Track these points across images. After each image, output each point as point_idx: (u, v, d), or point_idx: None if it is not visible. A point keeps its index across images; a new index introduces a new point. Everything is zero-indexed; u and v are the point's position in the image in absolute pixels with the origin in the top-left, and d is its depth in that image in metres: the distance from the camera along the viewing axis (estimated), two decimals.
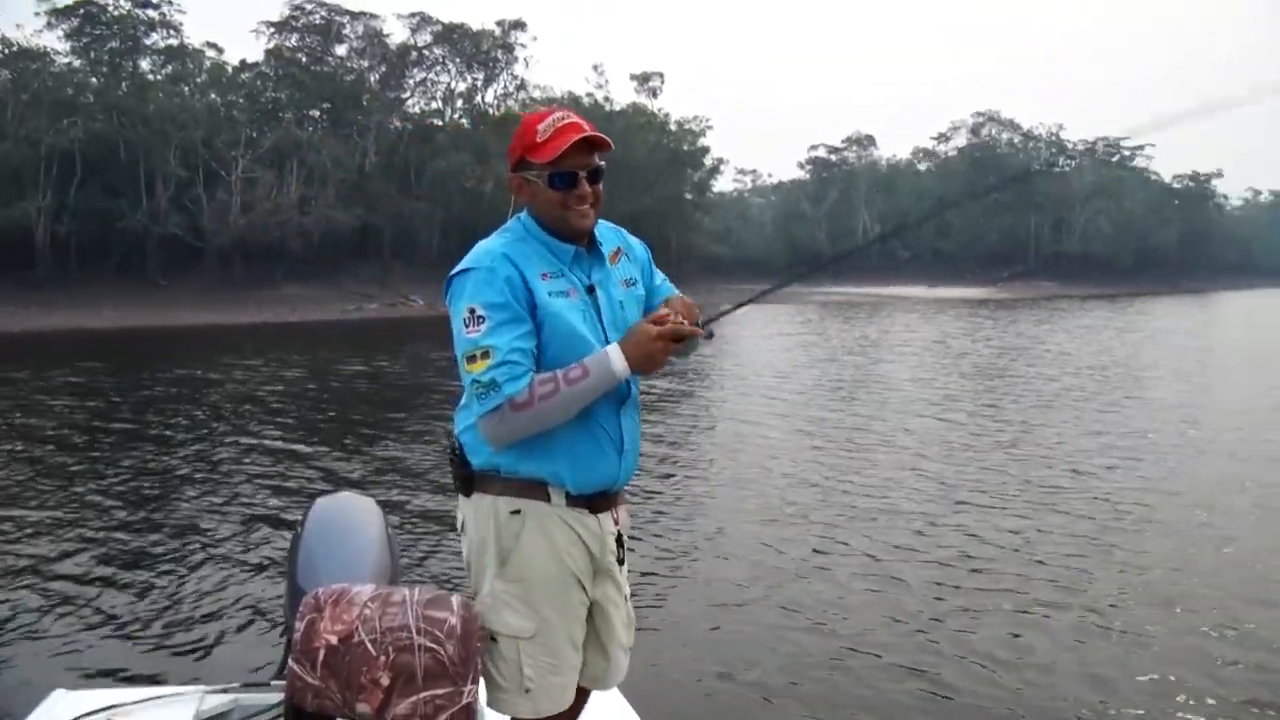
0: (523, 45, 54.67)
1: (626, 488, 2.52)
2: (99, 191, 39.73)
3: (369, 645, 2.26)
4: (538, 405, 2.22)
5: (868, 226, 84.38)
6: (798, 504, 9.79)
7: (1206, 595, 7.03)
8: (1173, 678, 5.64)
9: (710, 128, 67.42)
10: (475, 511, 2.40)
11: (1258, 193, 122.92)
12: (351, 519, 2.95)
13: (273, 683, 2.71)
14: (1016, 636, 6.30)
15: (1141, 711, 5.27)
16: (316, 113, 49.62)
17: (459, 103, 55.12)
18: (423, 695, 2.27)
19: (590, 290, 2.39)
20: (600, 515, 2.42)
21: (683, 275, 19.88)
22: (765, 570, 7.65)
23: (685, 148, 63.75)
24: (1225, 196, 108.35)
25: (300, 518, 2.98)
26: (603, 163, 2.37)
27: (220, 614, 6.56)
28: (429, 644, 2.27)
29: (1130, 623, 6.50)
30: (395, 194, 48.07)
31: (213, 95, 46.89)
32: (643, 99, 62.34)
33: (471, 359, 2.25)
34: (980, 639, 6.23)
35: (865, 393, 18.35)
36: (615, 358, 2.25)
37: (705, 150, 67.16)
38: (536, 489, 2.34)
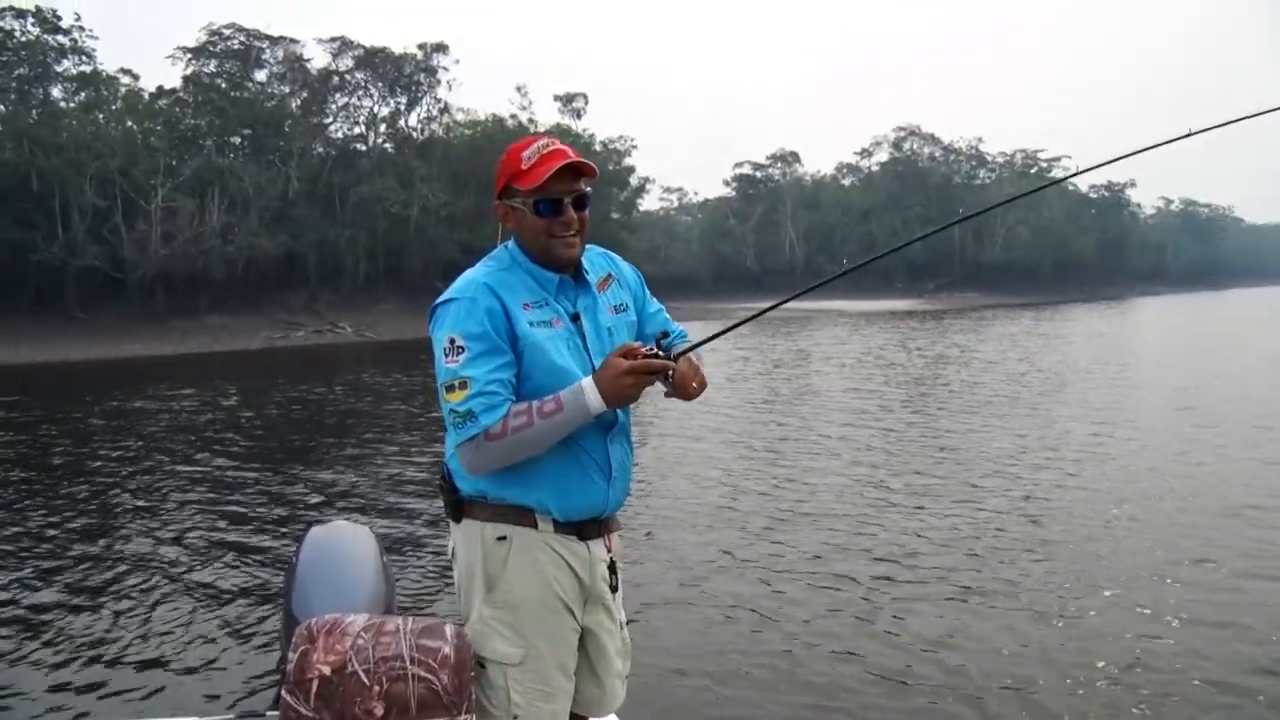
0: (445, 68, 54.35)
1: (619, 515, 2.52)
2: (10, 223, 38.49)
3: (362, 675, 2.26)
4: (511, 437, 2.23)
5: (794, 242, 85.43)
6: (744, 512, 10.01)
7: (1125, 579, 7.54)
8: (1095, 654, 6.09)
9: (635, 147, 67.79)
10: (464, 537, 2.40)
11: (1169, 201, 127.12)
12: (346, 548, 2.94)
13: (267, 714, 2.69)
14: (951, 622, 6.72)
15: (1065, 687, 5.64)
16: (238, 139, 48.69)
17: (382, 127, 54.58)
18: None
19: (575, 319, 2.40)
20: (590, 542, 2.42)
21: None
22: (738, 580, 7.82)
23: (611, 167, 63.80)
24: (1139, 205, 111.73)
25: (295, 547, 2.96)
26: (588, 189, 2.39)
27: (217, 645, 6.54)
28: (423, 674, 2.28)
29: (1055, 606, 6.97)
30: (320, 220, 47.40)
31: (129, 123, 45.71)
32: (567, 120, 62.32)
33: (450, 388, 2.26)
34: (918, 625, 6.66)
35: (801, 404, 18.58)
36: (589, 391, 2.24)
37: (631, 170, 67.42)
38: (523, 515, 2.35)
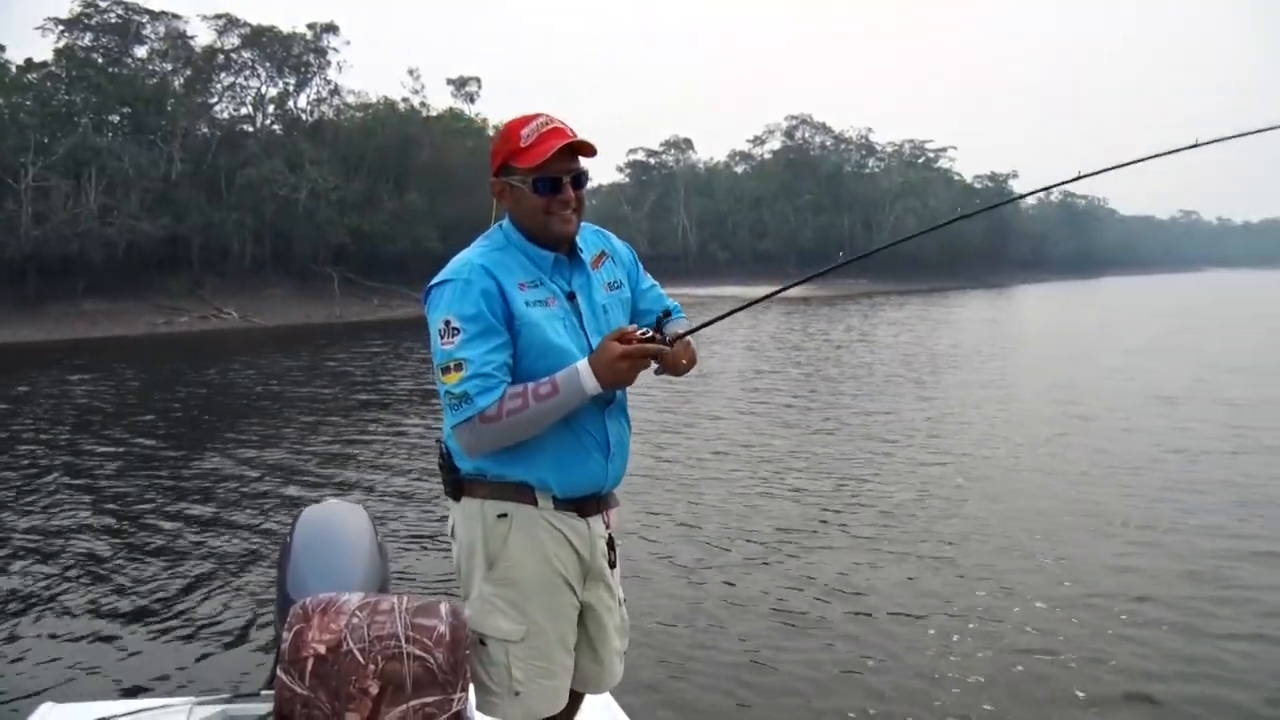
0: (335, 49, 52.94)
1: (618, 490, 2.53)
2: None
3: (357, 654, 2.26)
4: (506, 419, 2.23)
5: (687, 229, 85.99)
6: (655, 480, 10.52)
7: (1003, 531, 8.66)
8: (974, 592, 7.09)
9: None
10: (464, 516, 2.39)
11: (1049, 192, 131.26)
12: (340, 527, 2.92)
13: (262, 693, 2.68)
14: (853, 571, 7.61)
15: (947, 620, 6.58)
16: (116, 118, 46.68)
17: (270, 108, 53.03)
18: (412, 704, 2.27)
19: (571, 297, 2.40)
20: (590, 518, 2.42)
21: None
22: (649, 544, 8.25)
23: None
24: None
25: (289, 526, 2.94)
26: (586, 167, 2.39)
27: (211, 624, 6.53)
28: (418, 652, 2.28)
29: (940, 552, 8.01)
30: (205, 203, 45.84)
31: None
32: (460, 104, 61.46)
33: (446, 370, 2.25)
34: (821, 575, 7.50)
35: (702, 383, 18.79)
36: (585, 374, 2.24)
37: None
38: (523, 492, 2.34)
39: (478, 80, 61.82)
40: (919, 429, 13.80)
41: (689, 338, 2.44)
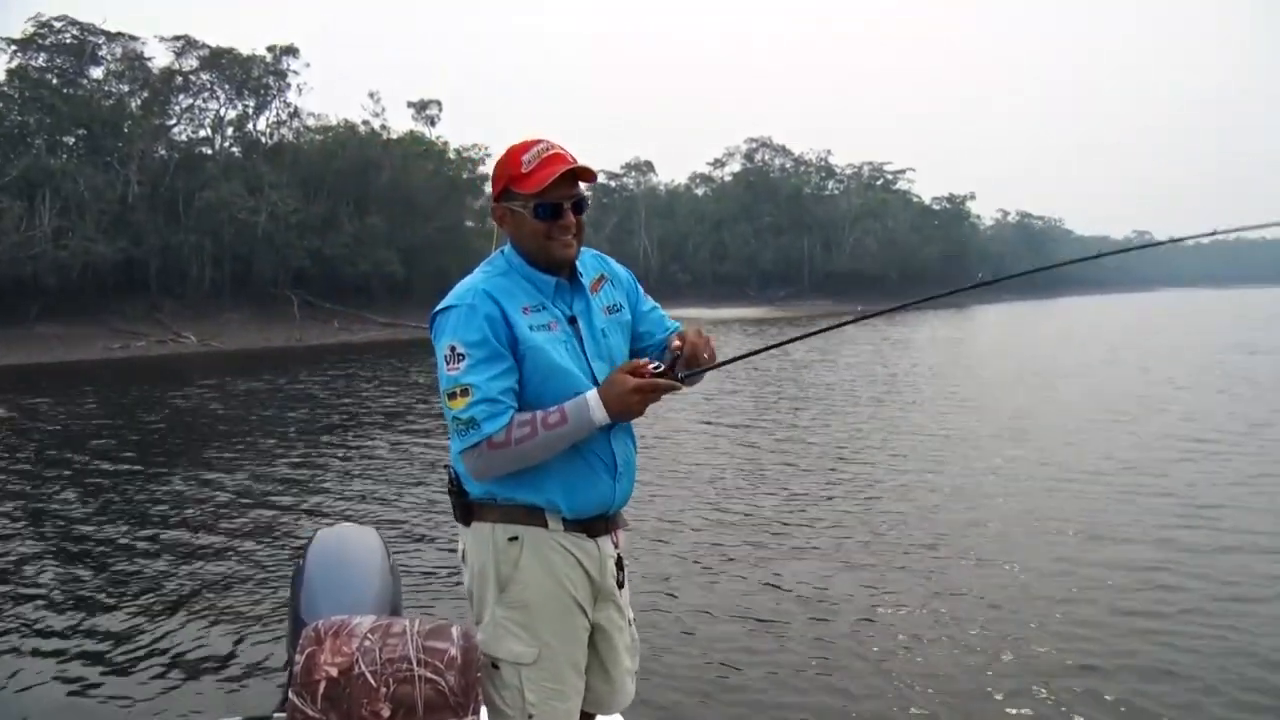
0: (295, 72, 52.77)
1: (625, 511, 2.55)
2: None
3: (369, 677, 2.28)
4: (514, 446, 2.25)
5: (648, 250, 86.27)
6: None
7: (962, 537, 8.94)
8: (936, 593, 7.33)
9: (490, 155, 67.10)
10: (475, 540, 2.41)
11: (1006, 213, 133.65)
12: (352, 550, 2.95)
13: (274, 715, 2.65)
14: (819, 578, 7.78)
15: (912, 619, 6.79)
16: (71, 139, 46.13)
17: (229, 130, 52.66)
18: None
19: (572, 321, 2.42)
20: (599, 539, 2.45)
21: None
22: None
23: (465, 175, 63.08)
24: (978, 217, 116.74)
25: (302, 549, 2.95)
26: (588, 193, 2.44)
27: (223, 647, 6.47)
28: (429, 675, 2.31)
29: (910, 562, 8.18)
30: (162, 226, 45.38)
31: None
32: (420, 127, 61.32)
33: (452, 396, 2.27)
34: (789, 583, 7.66)
35: (669, 402, 18.85)
36: (594, 406, 2.27)
37: (485, 178, 66.64)
38: (533, 515, 2.36)
39: (438, 103, 61.82)
40: (879, 444, 14.04)
41: (705, 331, 2.46)
